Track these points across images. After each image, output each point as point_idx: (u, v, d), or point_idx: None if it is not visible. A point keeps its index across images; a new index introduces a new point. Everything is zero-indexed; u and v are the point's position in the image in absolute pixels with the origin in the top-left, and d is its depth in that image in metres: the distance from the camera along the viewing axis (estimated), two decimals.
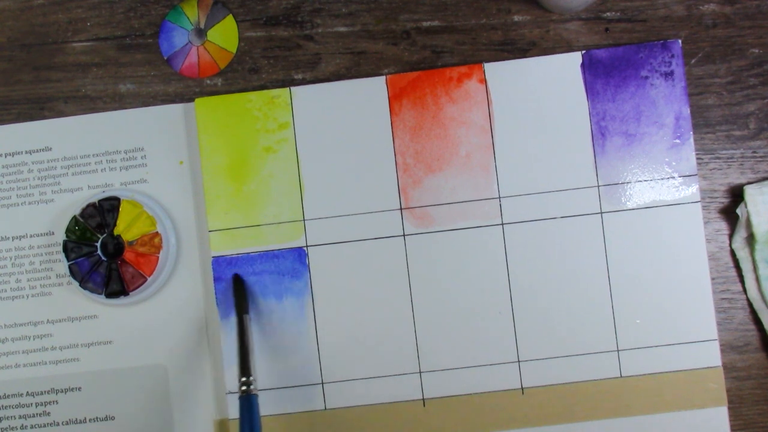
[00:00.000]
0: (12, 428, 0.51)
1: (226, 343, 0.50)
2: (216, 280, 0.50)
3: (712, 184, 0.51)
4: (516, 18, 0.52)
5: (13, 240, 0.52)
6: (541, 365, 0.50)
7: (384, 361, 0.50)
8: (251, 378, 0.46)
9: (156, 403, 0.51)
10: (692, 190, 0.50)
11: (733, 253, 0.50)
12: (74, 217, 0.50)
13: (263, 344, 0.50)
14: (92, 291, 0.50)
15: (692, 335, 0.49)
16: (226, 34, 0.52)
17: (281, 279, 0.50)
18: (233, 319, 0.50)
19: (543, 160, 0.50)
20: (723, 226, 0.51)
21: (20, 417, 0.51)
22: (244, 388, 0.45)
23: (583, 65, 0.50)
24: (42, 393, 0.51)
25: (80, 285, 0.50)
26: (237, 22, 0.52)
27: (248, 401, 0.45)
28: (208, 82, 0.52)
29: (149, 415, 0.51)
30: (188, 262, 0.51)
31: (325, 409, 0.50)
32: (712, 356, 0.49)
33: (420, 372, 0.50)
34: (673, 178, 0.50)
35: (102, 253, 0.50)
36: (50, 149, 0.52)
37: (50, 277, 0.52)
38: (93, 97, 0.53)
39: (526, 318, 0.50)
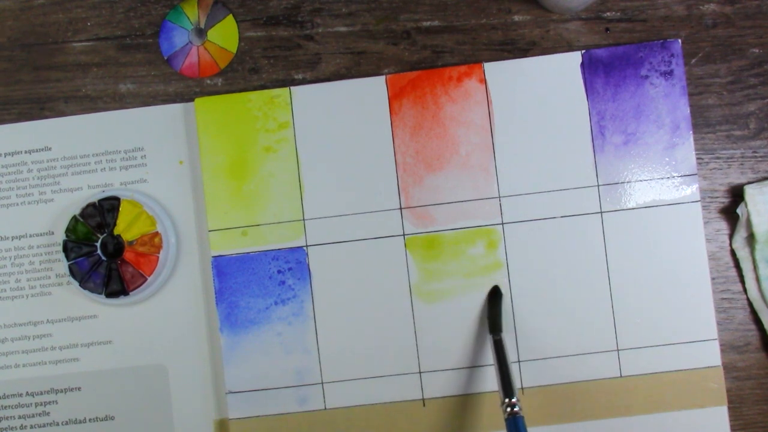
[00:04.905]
0: (12, 428, 0.51)
1: (227, 343, 0.50)
2: (216, 279, 0.50)
3: (712, 183, 0.51)
4: (516, 18, 0.52)
5: (12, 240, 0.52)
6: (541, 365, 0.50)
7: (384, 361, 0.50)
8: (515, 399, 0.44)
9: (156, 403, 0.51)
10: (692, 189, 0.50)
11: (733, 253, 0.50)
12: (74, 217, 0.50)
13: (263, 344, 0.50)
14: (92, 291, 0.50)
15: (692, 335, 0.49)
16: (226, 34, 0.52)
17: (281, 279, 0.50)
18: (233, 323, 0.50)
19: (543, 159, 0.50)
20: (723, 226, 0.51)
21: (20, 417, 0.51)
22: (509, 409, 0.43)
23: (582, 65, 0.50)
24: (42, 393, 0.51)
25: (80, 285, 0.50)
26: (237, 22, 0.53)
27: (515, 423, 0.43)
28: (209, 81, 0.52)
29: (149, 415, 0.51)
30: (188, 262, 0.51)
31: (325, 409, 0.50)
32: (712, 356, 0.49)
33: (420, 372, 0.50)
34: (673, 177, 0.50)
35: (102, 252, 0.50)
36: (50, 149, 0.52)
37: (50, 277, 0.52)
38: (93, 97, 0.53)
39: (526, 318, 0.50)
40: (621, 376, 0.49)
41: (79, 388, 0.51)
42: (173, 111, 0.52)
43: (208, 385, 0.51)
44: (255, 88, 0.52)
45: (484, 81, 0.51)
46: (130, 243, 0.50)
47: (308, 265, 0.51)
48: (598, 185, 0.50)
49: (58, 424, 0.51)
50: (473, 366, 0.50)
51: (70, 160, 0.52)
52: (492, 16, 0.52)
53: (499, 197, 0.50)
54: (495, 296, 0.49)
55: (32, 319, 0.51)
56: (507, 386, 0.44)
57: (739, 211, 0.50)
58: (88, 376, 0.51)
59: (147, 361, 0.51)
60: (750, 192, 0.49)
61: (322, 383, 0.50)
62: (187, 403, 0.51)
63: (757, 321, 0.50)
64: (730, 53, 0.51)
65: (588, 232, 0.50)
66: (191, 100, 0.52)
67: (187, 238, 0.51)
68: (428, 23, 0.52)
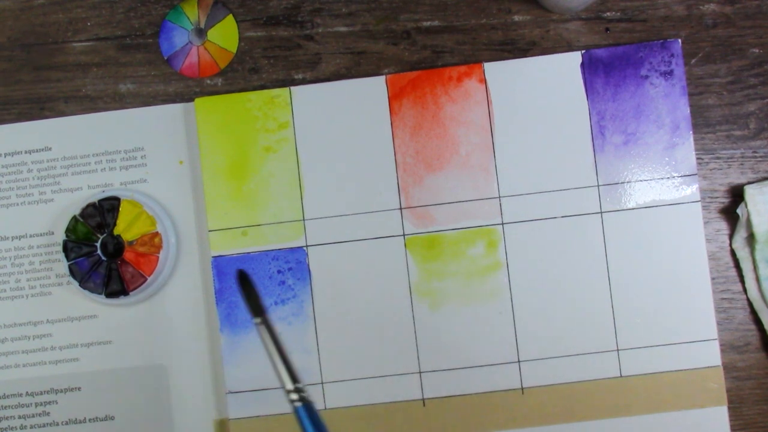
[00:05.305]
0: (12, 428, 0.51)
1: (227, 343, 0.50)
2: (216, 279, 0.50)
3: (712, 184, 0.51)
4: (516, 18, 0.52)
5: (12, 240, 0.52)
6: (541, 365, 0.50)
7: (384, 361, 0.50)
8: (301, 384, 0.40)
9: (156, 403, 0.51)
10: (692, 189, 0.50)
11: (733, 253, 0.50)
12: (74, 217, 0.50)
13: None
14: (92, 291, 0.50)
15: (692, 335, 0.49)
16: (226, 34, 0.52)
17: (281, 279, 0.50)
18: (234, 322, 0.50)
19: (543, 159, 0.50)
20: (723, 226, 0.51)
21: (20, 417, 0.51)
22: (294, 396, 0.40)
23: (582, 65, 0.50)
24: (42, 393, 0.51)
25: (80, 285, 0.50)
26: (237, 21, 0.53)
27: (310, 409, 0.40)
28: (209, 81, 0.52)
29: (149, 415, 0.51)
30: (188, 262, 0.51)
31: (325, 409, 0.50)
32: (712, 356, 0.49)
33: (420, 372, 0.50)
34: (673, 177, 0.50)
35: (102, 252, 0.50)
36: (50, 149, 0.52)
37: (50, 277, 0.52)
38: (93, 97, 0.53)
39: (526, 318, 0.50)
40: (621, 376, 0.49)
41: (79, 388, 0.51)
42: (173, 111, 0.52)
43: (208, 385, 0.51)
44: (255, 88, 0.52)
45: (484, 81, 0.51)
46: (130, 243, 0.50)
47: (308, 265, 0.51)
48: (598, 185, 0.50)
49: (58, 424, 0.51)
50: (473, 366, 0.50)
51: (70, 160, 0.52)
52: (492, 16, 0.52)
53: (499, 197, 0.50)
54: (244, 279, 0.44)
55: (32, 319, 0.51)
56: (291, 370, 0.40)
57: (739, 211, 0.50)
58: (88, 376, 0.51)
59: (147, 361, 0.51)
60: (750, 192, 0.49)
61: (322, 383, 0.50)
62: (187, 403, 0.51)
63: (757, 321, 0.50)
64: (730, 53, 0.51)
65: (588, 232, 0.50)
66: (191, 100, 0.52)
67: (187, 238, 0.51)
68: (428, 23, 0.52)
